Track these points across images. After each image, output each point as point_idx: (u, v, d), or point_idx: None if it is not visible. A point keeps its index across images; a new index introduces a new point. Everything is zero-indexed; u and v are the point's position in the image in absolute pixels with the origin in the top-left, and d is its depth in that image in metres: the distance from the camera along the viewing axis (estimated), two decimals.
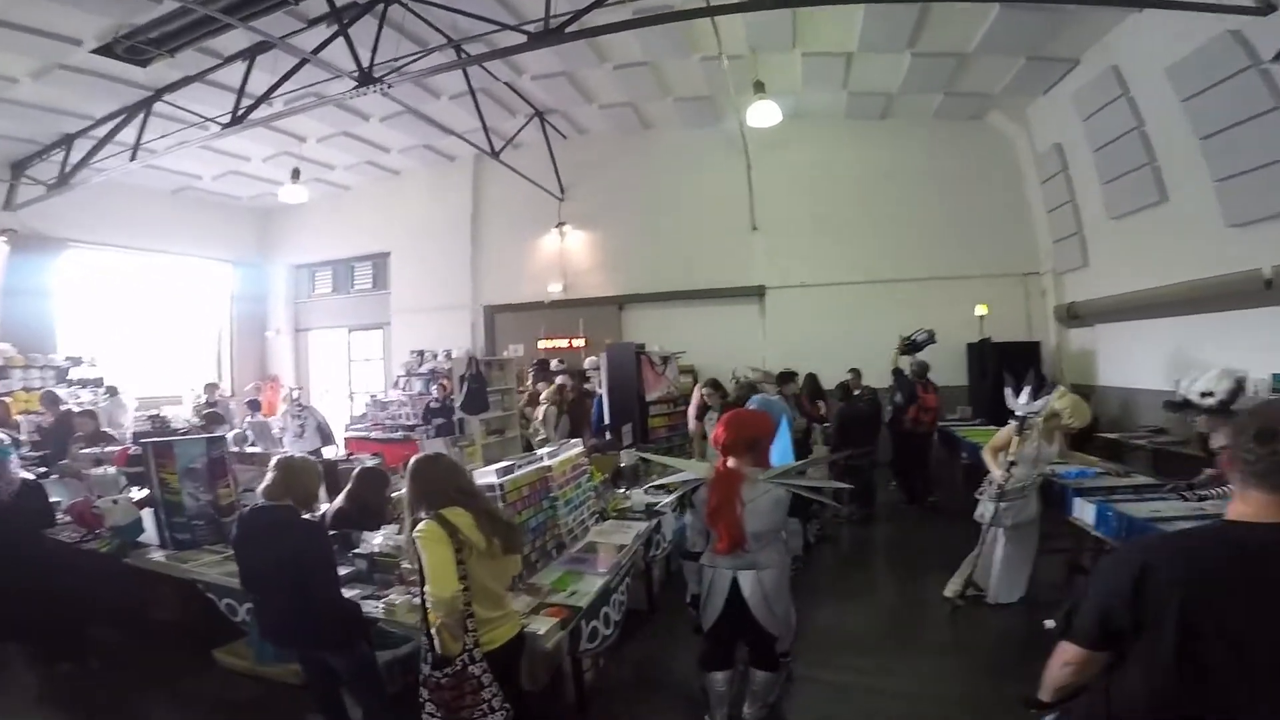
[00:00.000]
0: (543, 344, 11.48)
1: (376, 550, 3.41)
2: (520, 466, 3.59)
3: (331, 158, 11.11)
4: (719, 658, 3.05)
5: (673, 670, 3.87)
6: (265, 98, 7.13)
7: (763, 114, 6.87)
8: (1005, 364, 8.32)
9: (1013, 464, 4.28)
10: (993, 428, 7.24)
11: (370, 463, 5.13)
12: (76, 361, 10.42)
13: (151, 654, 3.89)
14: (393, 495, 4.29)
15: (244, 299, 13.74)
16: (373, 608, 2.99)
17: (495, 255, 11.99)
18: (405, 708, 2.60)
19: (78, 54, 6.95)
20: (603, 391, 7.58)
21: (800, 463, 3.47)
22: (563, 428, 6.55)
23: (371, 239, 12.88)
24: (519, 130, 10.31)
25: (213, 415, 7.35)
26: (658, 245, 10.76)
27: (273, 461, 2.79)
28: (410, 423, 11.21)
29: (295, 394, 9.52)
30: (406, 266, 12.68)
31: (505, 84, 9.03)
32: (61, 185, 9.37)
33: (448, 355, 11.91)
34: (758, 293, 10.31)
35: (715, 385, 6.47)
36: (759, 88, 6.77)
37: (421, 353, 12.10)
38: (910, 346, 7.35)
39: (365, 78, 6.20)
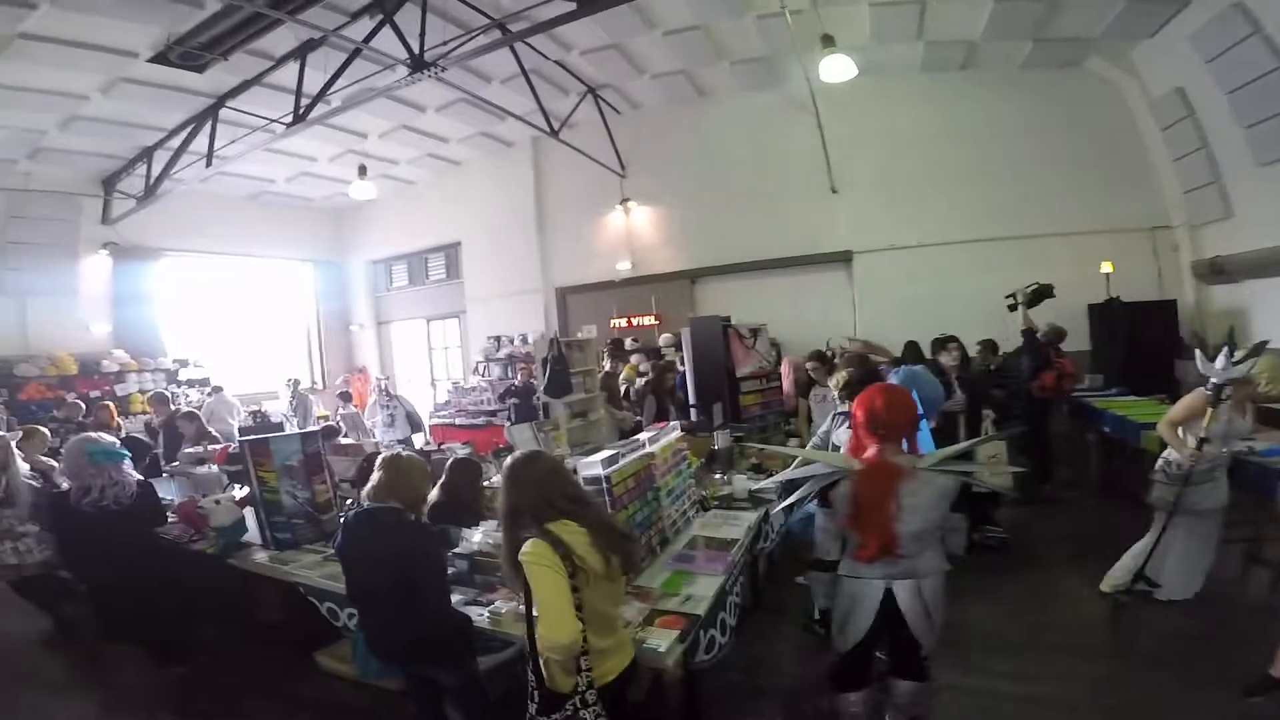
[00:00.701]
0: (615, 323, 11.25)
1: (477, 549, 3.22)
2: (624, 454, 3.27)
3: (394, 153, 11.15)
4: (858, 677, 2.67)
5: (784, 674, 3.55)
6: (322, 94, 7.17)
7: (835, 69, 6.22)
8: (1137, 325, 7.64)
9: (1204, 441, 3.62)
10: (1135, 399, 6.50)
11: (462, 452, 5.00)
12: (184, 363, 11.04)
13: (256, 656, 3.89)
14: (484, 486, 4.14)
15: (327, 296, 14.24)
16: (477, 616, 2.79)
17: (562, 237, 11.80)
18: (506, 715, 2.40)
19: (137, 66, 7.15)
20: (685, 369, 7.23)
21: (966, 444, 2.89)
22: (649, 408, 6.24)
23: (441, 230, 12.96)
24: (574, 109, 10.00)
25: (305, 407, 7.51)
26: (728, 216, 10.24)
27: (378, 460, 2.59)
28: (492, 408, 11.32)
29: (384, 384, 9.67)
30: (477, 255, 12.72)
31: (555, 62, 8.75)
32: (148, 197, 9.83)
33: (523, 340, 11.93)
34: (843, 258, 9.64)
35: (821, 358, 5.96)
36: (828, 41, 6.15)
37: (498, 338, 12.16)
38: (1035, 296, 6.58)
39: (418, 63, 6.14)
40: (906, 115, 9.21)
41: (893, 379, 3.94)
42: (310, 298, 14.14)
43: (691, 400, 6.88)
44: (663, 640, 2.41)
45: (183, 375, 10.96)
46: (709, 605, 2.72)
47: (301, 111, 7.31)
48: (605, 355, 9.46)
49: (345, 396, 9.03)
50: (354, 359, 14.46)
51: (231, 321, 12.69)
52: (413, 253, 13.76)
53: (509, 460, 2.18)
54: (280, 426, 7.97)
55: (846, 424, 3.22)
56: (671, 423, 4.07)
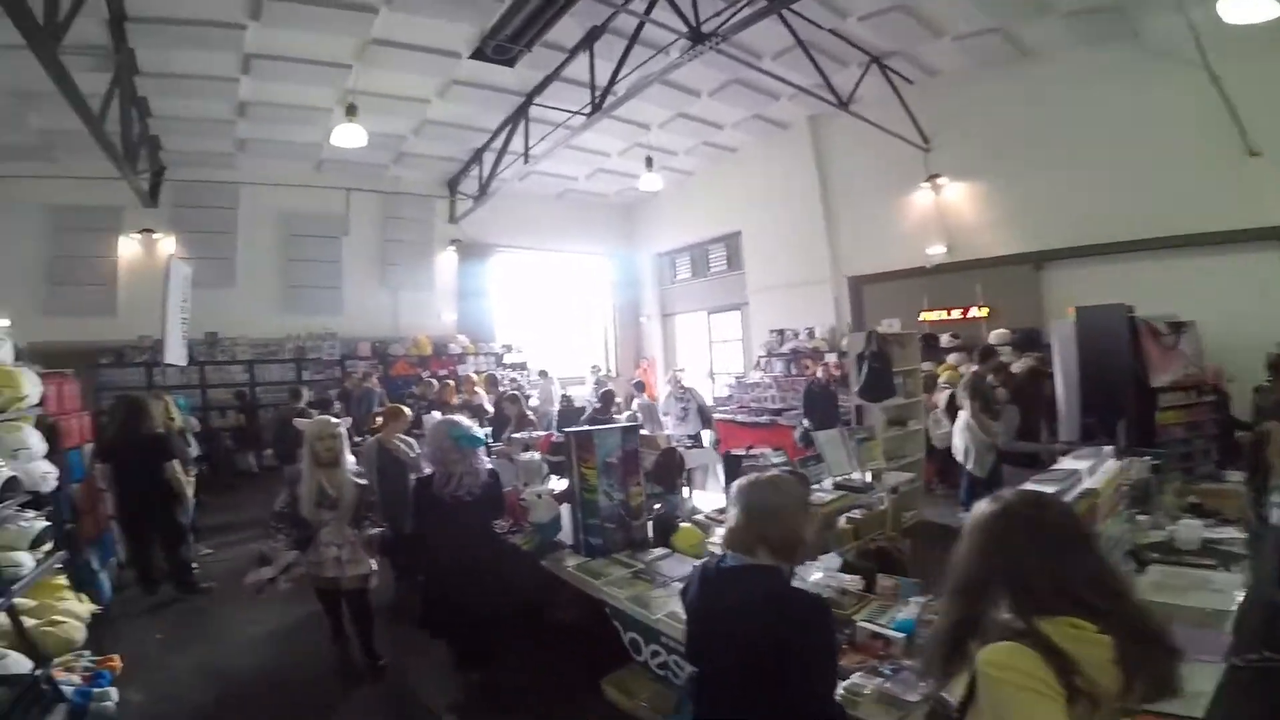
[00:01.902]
0: (925, 316, 9.66)
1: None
2: (1065, 488, 2.23)
3: (673, 143, 11.03)
4: None
5: None
6: (612, 83, 7.29)
7: (1246, 7, 4.42)
8: None
9: None
10: None
11: (777, 460, 4.38)
12: (508, 349, 12.51)
13: (545, 664, 3.63)
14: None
15: (621, 288, 14.97)
16: None
17: (853, 221, 10.54)
18: None
19: (461, 66, 7.81)
20: (1053, 373, 5.60)
21: None
22: (1009, 420, 4.85)
23: (720, 221, 12.59)
24: (858, 82, 8.71)
25: (608, 395, 7.64)
26: (1084, 188, 7.95)
27: (738, 486, 1.98)
28: (776, 406, 10.67)
29: (680, 376, 9.59)
30: (758, 244, 12.09)
31: (830, 31, 7.68)
32: (481, 196, 11.11)
33: (809, 333, 11.05)
34: (1276, 235, 6.80)
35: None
36: None
37: (781, 331, 11.46)
38: None
39: (696, 35, 6.08)
40: None
41: None
42: (607, 290, 15.04)
43: (1067, 414, 5.26)
44: None
45: (506, 360, 12.40)
46: (1209, 704, 1.62)
47: (597, 100, 7.55)
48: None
49: (639, 386, 9.15)
50: (642, 349, 15.03)
51: (544, 311, 14.06)
52: (694, 244, 13.69)
53: (991, 509, 1.36)
54: (582, 412, 8.34)
55: None
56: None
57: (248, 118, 8.88)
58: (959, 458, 5.20)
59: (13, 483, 3.04)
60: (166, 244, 9.98)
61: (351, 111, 7.41)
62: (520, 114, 9.37)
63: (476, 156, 11.05)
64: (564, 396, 10.82)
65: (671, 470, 4.38)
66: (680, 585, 2.45)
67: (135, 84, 7.35)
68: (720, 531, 2.52)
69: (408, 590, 4.43)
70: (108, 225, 9.74)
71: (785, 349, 11.23)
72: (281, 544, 3.53)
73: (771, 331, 11.54)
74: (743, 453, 4.70)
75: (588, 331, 14.91)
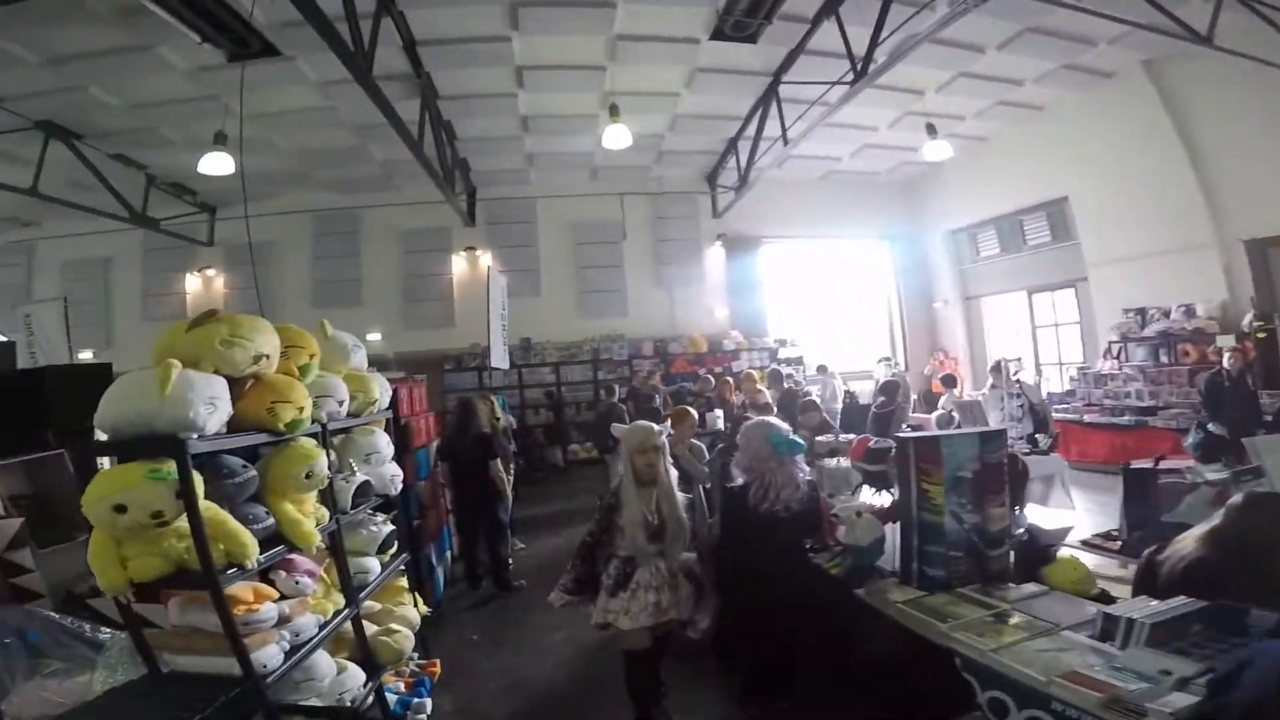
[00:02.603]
0: None
1: None
2: None
3: (957, 107, 9.62)
4: None
5: None
6: (872, 49, 6.55)
7: None
8: None
9: None
10: None
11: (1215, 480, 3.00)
12: (783, 343, 11.91)
13: (850, 710, 2.92)
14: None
15: (906, 272, 13.36)
16: None
17: (1240, 174, 7.86)
18: None
19: (703, 51, 7.57)
20: None
21: None
22: None
23: (1036, 187, 10.61)
24: (1216, 11, 6.26)
25: (889, 387, 6.54)
26: None
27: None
28: (1143, 403, 8.26)
29: (1014, 370, 7.96)
30: (1095, 209, 9.81)
31: None
32: (742, 187, 10.69)
33: (1186, 312, 8.34)
34: None
35: None
36: None
37: (1142, 311, 8.96)
38: None
39: None
40: None
41: None
42: (888, 275, 13.51)
43: None
44: None
45: (781, 354, 11.79)
46: None
47: (859, 67, 6.84)
48: None
49: (949, 380, 7.71)
50: (937, 338, 13.17)
51: (818, 302, 13.12)
52: (1001, 216, 11.62)
53: None
54: (866, 410, 7.32)
55: None
56: None
57: (530, 131, 9.73)
58: None
59: (365, 488, 3.09)
60: (485, 259, 11.50)
61: (614, 112, 7.74)
62: (770, 95, 8.85)
63: (731, 146, 10.78)
64: (848, 393, 9.85)
65: (1015, 483, 3.33)
66: (1072, 630, 2.11)
67: (440, 108, 8.46)
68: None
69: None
70: (442, 245, 11.59)
71: (1150, 332, 8.68)
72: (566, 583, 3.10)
73: (1127, 312, 9.18)
74: (1148, 466, 3.34)
75: (870, 322, 13.53)
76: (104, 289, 11.20)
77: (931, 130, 8.64)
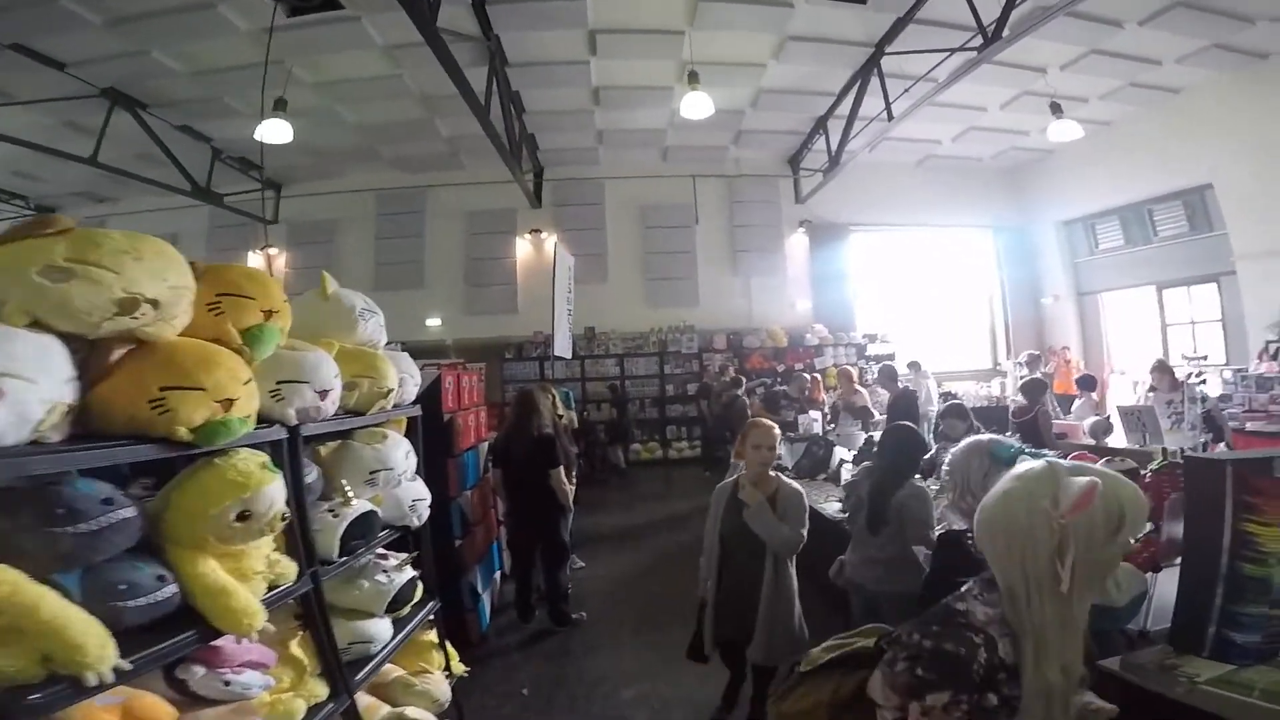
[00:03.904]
0: None
1: None
2: None
3: (1082, 88, 8.63)
4: None
5: None
6: (1004, 19, 5.82)
7: None
8: None
9: None
10: None
11: None
12: (872, 338, 10.86)
13: None
14: None
15: (1010, 265, 12.10)
16: None
17: None
18: None
19: (796, 16, 6.88)
20: None
21: None
22: None
23: (1172, 174, 9.46)
24: None
25: (1034, 386, 5.45)
26: None
27: None
28: None
29: (1194, 371, 6.82)
30: (1245, 198, 8.64)
31: None
32: (832, 168, 9.77)
33: None
34: None
35: None
36: None
37: None
38: None
39: None
40: None
41: None
42: (990, 268, 12.24)
43: None
44: None
45: (870, 351, 10.75)
46: None
47: (990, 33, 6.09)
48: None
49: (1088, 382, 6.51)
50: (1044, 336, 11.87)
51: (911, 296, 11.98)
52: (1126, 205, 10.41)
53: None
54: (1004, 413, 6.26)
55: None
56: None
57: (601, 105, 9.04)
58: None
59: (366, 521, 2.08)
60: (550, 242, 10.86)
61: (693, 79, 6.98)
62: (870, 68, 7.91)
63: (819, 126, 9.88)
64: (948, 395, 8.69)
65: None
66: None
67: (509, 77, 7.86)
68: None
69: None
70: (506, 227, 11.01)
71: None
72: None
73: None
74: None
75: (969, 319, 12.28)
76: None
77: (1056, 109, 7.92)
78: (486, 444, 4.57)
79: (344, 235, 10.94)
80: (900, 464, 2.87)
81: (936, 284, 12.09)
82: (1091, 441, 5.27)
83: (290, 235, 10.99)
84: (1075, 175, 10.88)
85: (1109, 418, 5.40)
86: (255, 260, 11.00)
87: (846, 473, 4.47)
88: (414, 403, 2.66)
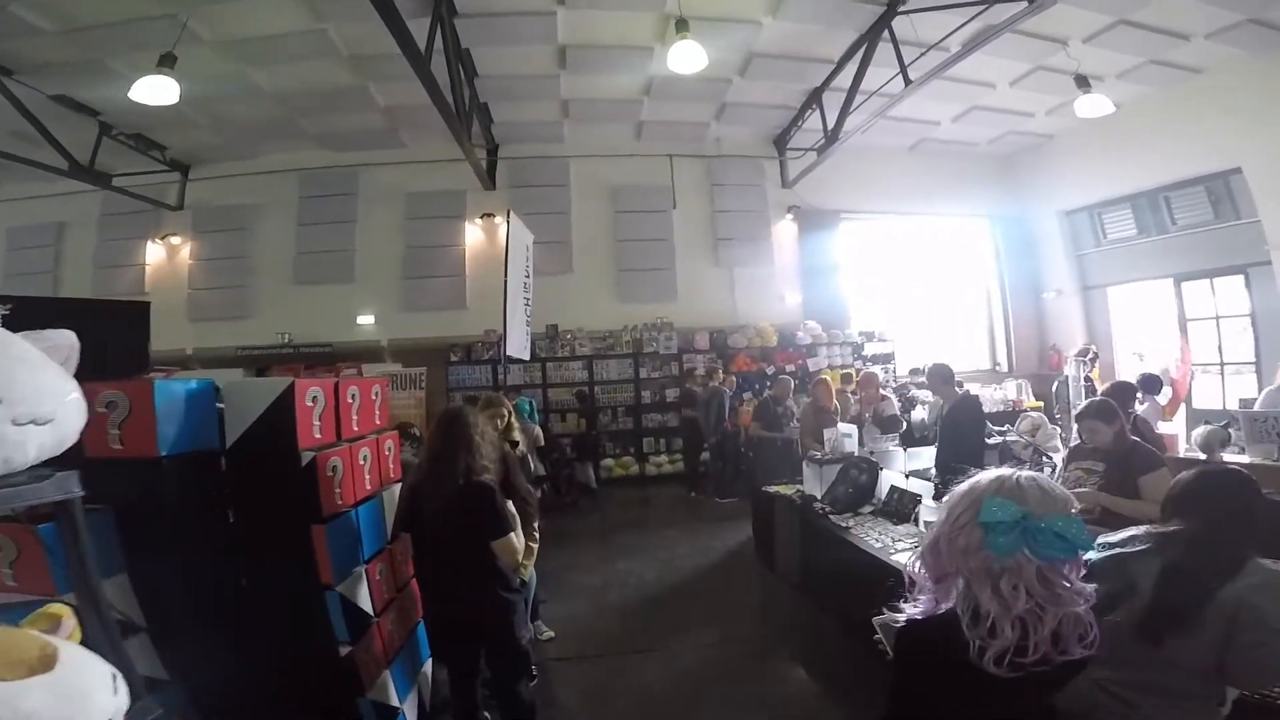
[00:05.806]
0: None
1: None
2: None
3: (1101, 64, 7.89)
4: None
5: None
6: None
7: None
8: None
9: None
10: None
11: None
12: (869, 336, 9.83)
13: None
14: None
15: (1010, 258, 11.22)
16: None
17: None
18: None
19: None
20: None
21: None
22: None
23: (1193, 158, 8.69)
24: None
25: (1121, 389, 4.26)
26: None
27: None
28: None
29: None
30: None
31: None
32: (829, 146, 8.77)
33: None
34: None
35: None
36: None
37: None
38: None
39: None
40: None
41: None
42: (988, 261, 11.35)
43: None
44: None
45: (867, 350, 9.70)
46: None
47: None
48: None
49: (1151, 384, 5.41)
50: (1045, 333, 11.04)
51: (907, 290, 10.96)
52: (1139, 193, 9.60)
53: None
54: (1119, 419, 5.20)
55: None
56: None
57: (569, 68, 7.81)
58: None
59: None
60: (505, 228, 9.52)
61: (682, 27, 5.83)
62: (879, 29, 6.96)
63: (812, 100, 8.82)
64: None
65: None
66: None
67: (457, 30, 6.63)
68: None
69: None
70: (453, 212, 9.60)
71: None
72: None
73: None
74: None
75: (964, 316, 11.35)
76: (55, 259, 9.41)
77: (1083, 82, 7.35)
78: (395, 489, 3.17)
79: (261, 222, 9.41)
80: (1236, 533, 1.63)
81: (931, 278, 11.11)
82: (1201, 455, 4.24)
83: (197, 222, 9.41)
84: (1077, 163, 10.12)
85: (1226, 425, 4.39)
86: (154, 250, 9.38)
87: (926, 511, 3.26)
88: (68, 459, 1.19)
